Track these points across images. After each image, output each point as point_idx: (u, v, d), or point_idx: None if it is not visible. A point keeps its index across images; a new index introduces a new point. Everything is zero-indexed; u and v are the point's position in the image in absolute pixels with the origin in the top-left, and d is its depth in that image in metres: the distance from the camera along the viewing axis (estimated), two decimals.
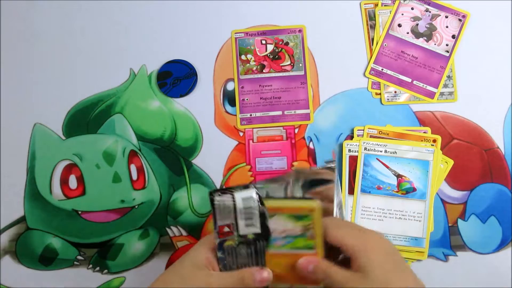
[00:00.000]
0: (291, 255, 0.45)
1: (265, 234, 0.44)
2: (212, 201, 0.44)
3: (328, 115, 0.64)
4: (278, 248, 0.45)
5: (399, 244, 0.59)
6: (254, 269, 0.46)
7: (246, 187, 0.44)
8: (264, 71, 0.65)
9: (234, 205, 0.44)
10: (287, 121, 0.64)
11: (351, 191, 0.60)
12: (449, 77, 0.64)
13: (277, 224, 0.44)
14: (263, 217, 0.44)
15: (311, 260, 0.44)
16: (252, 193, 0.44)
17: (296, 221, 0.44)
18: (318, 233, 0.44)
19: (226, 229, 0.45)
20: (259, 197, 0.44)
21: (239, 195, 0.44)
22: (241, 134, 0.64)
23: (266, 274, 0.45)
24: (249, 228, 0.44)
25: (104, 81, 0.65)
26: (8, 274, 0.62)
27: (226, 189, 0.45)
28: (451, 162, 0.61)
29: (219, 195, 0.44)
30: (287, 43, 0.65)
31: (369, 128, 0.62)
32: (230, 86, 0.65)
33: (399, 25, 0.65)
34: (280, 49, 0.65)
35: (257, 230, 0.44)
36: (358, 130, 0.62)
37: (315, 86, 0.65)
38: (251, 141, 0.64)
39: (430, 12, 0.65)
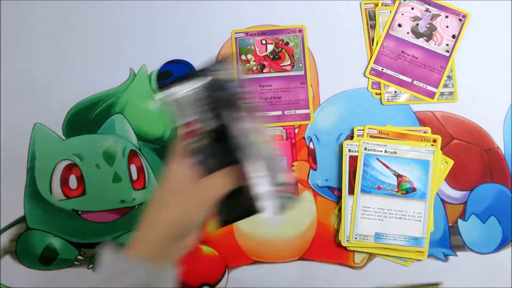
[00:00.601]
0: None
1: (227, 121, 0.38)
2: (167, 100, 0.38)
3: (328, 115, 0.64)
4: None
5: (399, 244, 0.59)
6: None
7: (190, 77, 0.39)
8: (264, 71, 0.65)
9: (191, 95, 0.39)
10: (287, 121, 0.64)
11: (351, 191, 0.60)
12: (449, 77, 0.64)
13: None
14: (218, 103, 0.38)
15: None
16: (200, 81, 0.38)
17: None
18: None
19: (192, 126, 0.40)
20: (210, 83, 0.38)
21: (188, 86, 0.39)
22: None
23: None
24: (213, 120, 0.39)
25: (104, 81, 0.65)
26: (8, 274, 0.62)
27: (171, 83, 0.39)
28: (451, 162, 0.61)
29: (170, 89, 0.39)
30: (287, 43, 0.65)
31: (369, 128, 0.62)
32: None
33: (399, 25, 0.65)
34: (280, 49, 0.65)
35: (221, 121, 0.39)
36: (358, 130, 0.62)
37: (315, 86, 0.65)
38: None
39: (430, 12, 0.65)
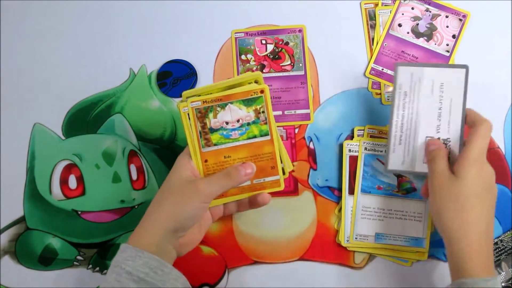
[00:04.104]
0: (248, 146, 0.44)
1: None
2: None
3: (328, 115, 0.64)
4: (236, 140, 0.44)
5: (399, 244, 0.59)
6: (238, 164, 0.47)
7: None
8: (264, 71, 0.65)
9: None
10: (287, 121, 0.64)
11: (351, 191, 0.60)
12: None
13: (232, 113, 0.43)
14: None
15: (435, 142, 0.50)
16: None
17: (248, 106, 0.43)
18: (270, 116, 0.43)
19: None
20: None
21: None
22: None
23: (250, 167, 0.47)
24: None
25: (104, 81, 0.65)
26: (8, 274, 0.61)
27: None
28: None
29: None
30: (287, 43, 0.65)
31: (369, 128, 0.62)
32: None
33: (400, 25, 0.65)
34: (280, 49, 0.65)
35: None
36: (358, 130, 0.62)
37: (315, 86, 0.65)
38: None
39: (430, 12, 0.65)
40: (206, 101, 0.43)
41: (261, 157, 0.47)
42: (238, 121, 0.44)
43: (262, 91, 0.43)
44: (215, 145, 0.46)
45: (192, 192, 0.46)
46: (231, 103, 0.43)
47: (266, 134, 0.45)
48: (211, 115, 0.44)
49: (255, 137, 0.45)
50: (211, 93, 0.44)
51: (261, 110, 0.44)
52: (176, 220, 0.46)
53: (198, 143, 0.45)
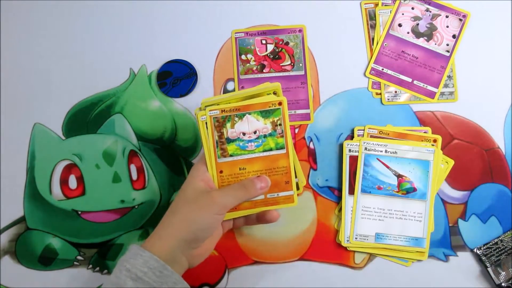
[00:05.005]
0: (263, 159, 0.43)
1: None
2: None
3: (329, 115, 0.64)
4: (252, 152, 0.44)
5: (399, 244, 0.59)
6: (253, 177, 0.46)
7: None
8: (264, 71, 0.65)
9: None
10: None
11: (351, 191, 0.60)
12: (449, 77, 0.64)
13: (249, 124, 0.43)
14: None
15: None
16: None
17: (266, 118, 0.43)
18: (287, 129, 0.42)
19: None
20: None
21: None
22: None
23: (265, 180, 0.47)
24: None
25: (104, 81, 0.65)
26: (8, 274, 0.62)
27: None
28: (451, 162, 0.61)
29: None
30: (287, 43, 0.65)
31: (369, 128, 0.62)
32: (230, 86, 0.65)
33: (400, 25, 0.65)
34: (280, 49, 0.65)
35: None
36: (358, 130, 0.62)
37: (315, 86, 0.65)
38: None
39: (430, 11, 0.65)
40: (224, 110, 0.43)
41: (276, 170, 0.47)
42: (255, 132, 0.44)
43: (280, 103, 0.43)
44: (231, 156, 0.45)
45: (207, 202, 0.46)
46: (249, 113, 0.43)
47: (282, 148, 0.44)
48: (228, 125, 0.43)
49: (271, 150, 0.44)
50: (229, 103, 0.43)
51: (278, 122, 0.43)
52: (190, 230, 0.46)
53: (214, 153, 0.44)
